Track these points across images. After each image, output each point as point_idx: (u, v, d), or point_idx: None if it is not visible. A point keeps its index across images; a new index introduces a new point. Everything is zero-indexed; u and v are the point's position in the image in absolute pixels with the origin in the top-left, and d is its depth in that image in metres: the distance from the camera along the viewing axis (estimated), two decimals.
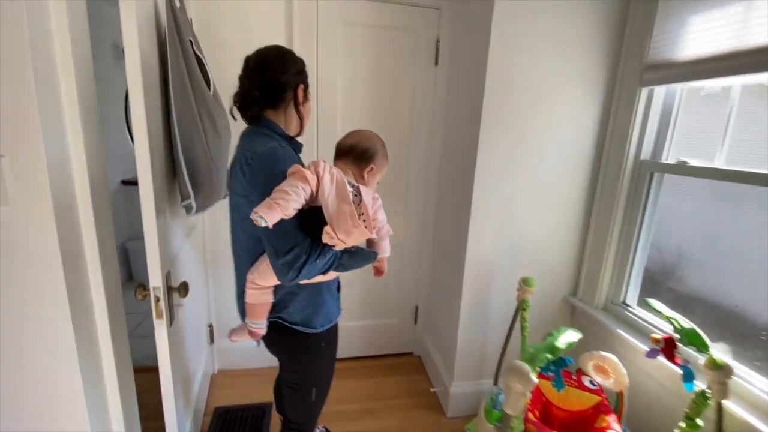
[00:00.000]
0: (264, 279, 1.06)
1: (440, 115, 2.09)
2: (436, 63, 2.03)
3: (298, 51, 1.18)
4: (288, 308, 1.11)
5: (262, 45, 1.13)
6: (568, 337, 1.35)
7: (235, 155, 1.07)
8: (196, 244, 1.86)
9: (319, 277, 1.02)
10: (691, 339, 1.12)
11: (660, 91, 1.54)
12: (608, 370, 1.43)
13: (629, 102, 1.60)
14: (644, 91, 1.55)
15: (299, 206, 0.90)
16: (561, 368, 1.39)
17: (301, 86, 1.10)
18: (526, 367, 1.22)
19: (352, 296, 2.25)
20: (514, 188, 1.73)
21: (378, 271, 1.19)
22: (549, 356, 1.28)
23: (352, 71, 1.96)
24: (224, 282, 2.09)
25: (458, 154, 1.88)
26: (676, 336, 1.17)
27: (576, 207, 1.82)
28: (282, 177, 0.93)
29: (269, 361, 1.41)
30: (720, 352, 1.09)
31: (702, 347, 1.11)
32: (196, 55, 1.39)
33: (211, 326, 2.13)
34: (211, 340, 2.14)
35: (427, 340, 2.38)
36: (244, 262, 1.11)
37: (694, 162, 1.43)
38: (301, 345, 1.15)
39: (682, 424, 1.14)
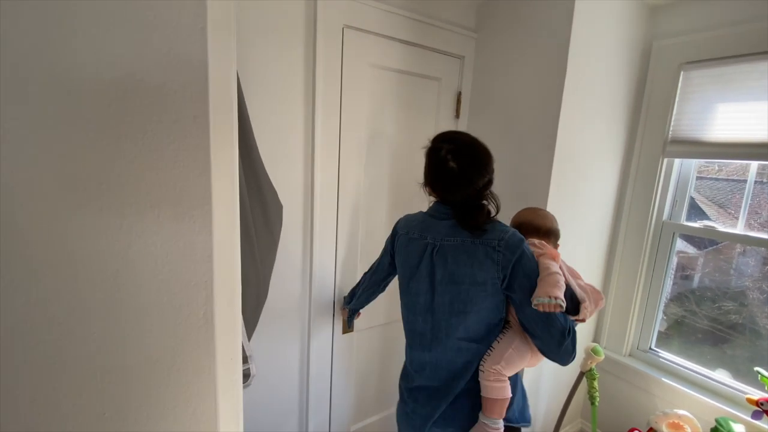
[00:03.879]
0: (513, 366, 1.01)
1: None
2: (457, 115, 1.85)
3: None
4: (512, 405, 1.05)
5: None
6: None
7: (487, 240, 0.98)
8: None
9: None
10: None
11: (678, 162, 1.75)
12: (684, 427, 1.53)
13: (651, 169, 1.76)
14: (665, 162, 1.73)
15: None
16: None
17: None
18: None
19: None
20: (570, 247, 1.71)
21: (581, 320, 1.09)
22: None
23: (376, 117, 1.61)
24: None
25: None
26: None
27: (599, 261, 1.92)
28: (535, 261, 0.97)
29: None
30: None
31: None
32: None
33: None
34: None
35: None
36: (461, 353, 1.03)
37: (718, 227, 1.66)
38: None
39: None
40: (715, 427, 1.46)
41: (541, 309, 0.87)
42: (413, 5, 1.58)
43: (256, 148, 0.83)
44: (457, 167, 0.96)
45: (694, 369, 1.73)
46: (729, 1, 1.50)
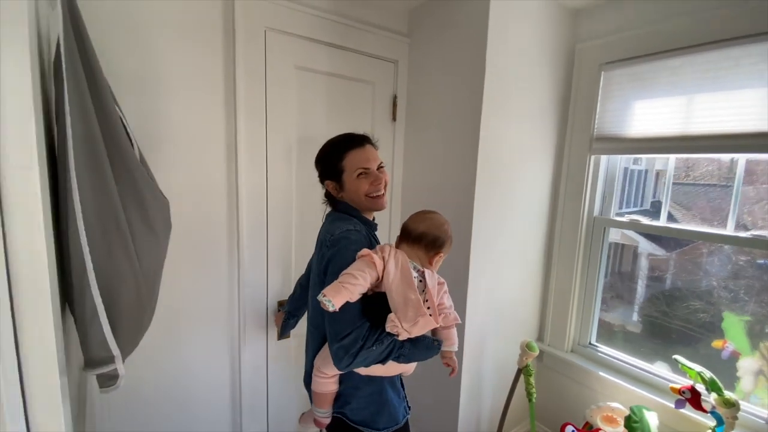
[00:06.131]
0: (327, 366, 1.04)
1: (399, 173, 1.93)
2: (394, 119, 1.87)
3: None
4: (351, 404, 1.10)
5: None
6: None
7: (320, 233, 1.13)
8: None
9: (380, 368, 1.02)
10: (713, 386, 1.29)
11: (604, 159, 1.80)
12: (617, 420, 1.54)
13: (580, 167, 1.81)
14: (593, 158, 1.79)
15: (364, 290, 0.92)
16: None
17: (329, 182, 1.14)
18: None
19: None
20: (502, 247, 1.73)
21: (451, 369, 1.10)
22: None
23: (306, 120, 1.61)
24: None
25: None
26: (700, 385, 1.33)
27: (537, 259, 1.95)
28: (352, 261, 0.96)
29: None
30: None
31: (719, 391, 1.29)
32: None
33: None
34: None
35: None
36: (313, 338, 1.14)
37: (644, 220, 1.71)
38: None
39: None
40: (629, 415, 1.49)
41: (321, 306, 0.88)
42: (342, 9, 1.61)
43: (125, 137, 0.81)
44: None
45: (633, 363, 1.75)
46: (641, 2, 1.58)
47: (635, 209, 1.95)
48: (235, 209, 1.46)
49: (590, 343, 1.90)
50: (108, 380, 0.80)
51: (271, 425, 1.71)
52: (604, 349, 1.86)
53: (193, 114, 1.34)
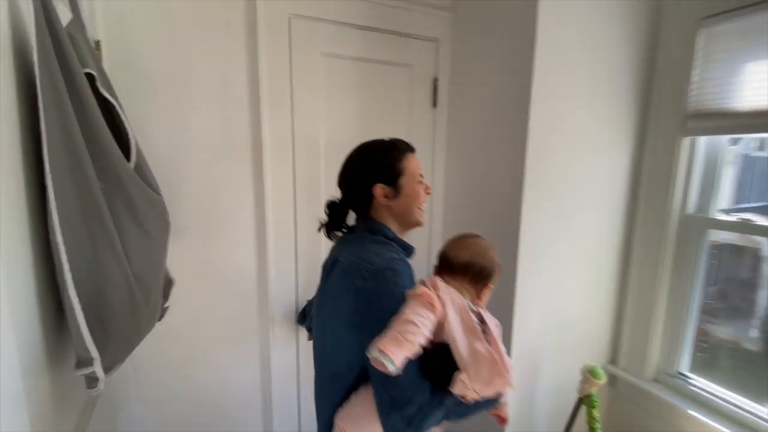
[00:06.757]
0: (359, 428, 0.81)
1: (441, 166, 1.74)
2: (435, 104, 1.68)
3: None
4: None
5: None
6: None
7: (337, 257, 0.90)
8: None
9: None
10: None
11: (703, 141, 1.41)
12: None
13: (667, 153, 1.45)
14: (686, 141, 1.41)
15: (425, 342, 0.72)
16: None
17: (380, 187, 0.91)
18: None
19: None
20: (561, 252, 1.46)
21: (501, 419, 0.92)
22: None
23: (335, 111, 1.51)
24: None
25: (484, 212, 1.54)
26: None
27: (610, 267, 1.62)
28: (401, 302, 0.76)
29: None
30: None
31: None
32: (102, 100, 0.83)
33: None
34: None
35: None
36: (331, 393, 0.88)
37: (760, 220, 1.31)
38: None
39: None
40: None
41: (374, 364, 0.68)
42: None
43: (108, 135, 0.77)
44: None
45: (741, 403, 1.35)
46: None
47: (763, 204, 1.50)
48: (261, 206, 1.42)
49: (679, 373, 1.52)
50: (92, 381, 0.78)
51: (303, 427, 1.66)
52: (698, 381, 1.47)
53: (217, 106, 1.31)
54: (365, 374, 0.82)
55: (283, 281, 1.50)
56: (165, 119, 1.24)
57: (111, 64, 1.12)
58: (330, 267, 0.92)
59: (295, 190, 1.48)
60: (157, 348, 1.30)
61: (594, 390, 1.36)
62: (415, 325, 0.70)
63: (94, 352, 0.74)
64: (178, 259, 1.22)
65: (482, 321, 0.79)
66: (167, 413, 1.39)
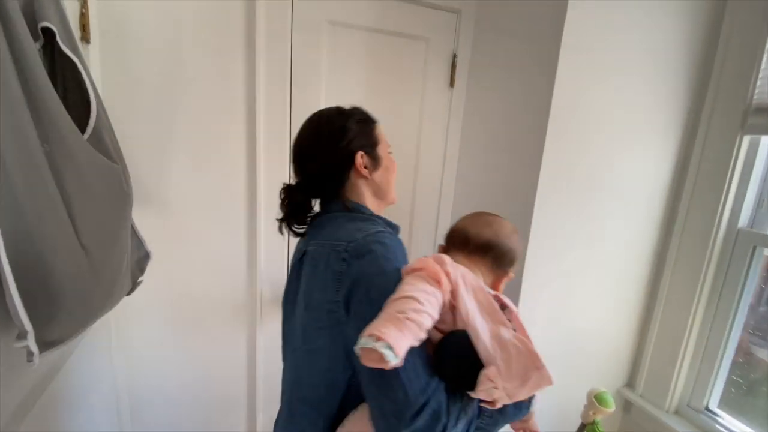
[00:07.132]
0: None
1: (455, 151, 1.58)
2: (452, 84, 1.52)
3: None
4: None
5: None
6: None
7: (305, 247, 0.74)
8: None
9: None
10: None
11: (765, 142, 1.18)
12: None
13: (723, 152, 1.22)
14: (746, 140, 1.18)
15: (431, 325, 0.54)
16: None
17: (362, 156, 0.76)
18: None
19: None
20: (577, 259, 1.29)
21: None
22: None
23: (339, 87, 1.39)
24: None
25: (496, 208, 1.39)
26: None
27: (637, 280, 1.42)
28: (397, 279, 0.58)
29: None
30: None
31: None
32: (60, 54, 0.76)
33: None
34: None
35: None
36: (310, 424, 0.68)
37: None
38: None
39: None
40: None
41: (362, 360, 0.49)
42: None
43: (56, 99, 0.71)
44: None
45: None
46: None
47: None
48: (254, 184, 1.34)
49: (707, 408, 1.32)
50: (29, 355, 0.74)
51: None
52: (729, 422, 1.27)
53: (210, 72, 1.23)
54: (354, 392, 0.64)
55: (273, 262, 1.44)
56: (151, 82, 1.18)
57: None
58: (298, 266, 0.75)
59: (290, 166, 1.38)
60: (138, 322, 1.28)
61: (599, 418, 1.20)
62: (418, 301, 0.52)
63: (27, 326, 0.70)
64: (166, 235, 1.18)
65: (502, 306, 0.64)
66: (152, 386, 1.38)
